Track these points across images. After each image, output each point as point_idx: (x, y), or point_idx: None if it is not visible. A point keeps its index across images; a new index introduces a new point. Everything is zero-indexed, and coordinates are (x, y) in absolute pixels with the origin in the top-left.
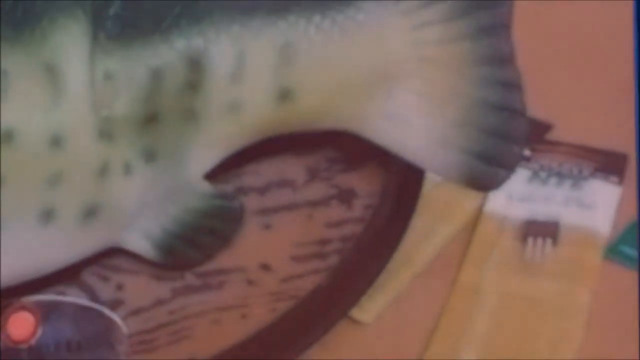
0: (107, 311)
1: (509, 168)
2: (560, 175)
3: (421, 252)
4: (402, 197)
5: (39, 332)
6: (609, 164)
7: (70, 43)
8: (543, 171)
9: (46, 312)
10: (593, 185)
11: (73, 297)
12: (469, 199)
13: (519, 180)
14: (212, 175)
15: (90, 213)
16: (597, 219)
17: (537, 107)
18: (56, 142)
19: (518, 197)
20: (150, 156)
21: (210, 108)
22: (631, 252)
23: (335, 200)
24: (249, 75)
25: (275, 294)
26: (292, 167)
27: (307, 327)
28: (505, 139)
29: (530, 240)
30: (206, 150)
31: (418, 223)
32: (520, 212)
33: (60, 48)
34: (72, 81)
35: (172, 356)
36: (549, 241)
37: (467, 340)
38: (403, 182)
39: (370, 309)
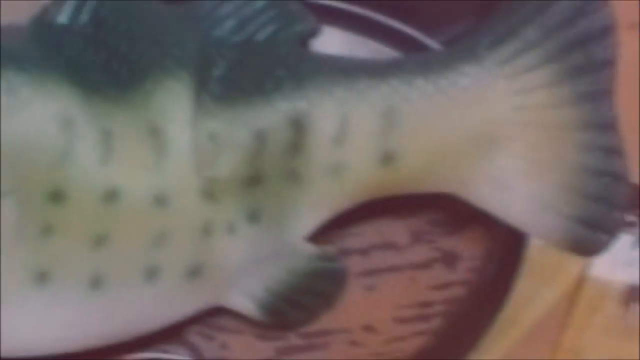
0: None
1: (611, 233)
2: None
3: (525, 316)
4: (506, 261)
5: None
6: None
7: (174, 104)
8: None
9: None
10: None
11: (177, 355)
12: (573, 264)
13: (623, 246)
14: (315, 237)
15: (194, 272)
16: None
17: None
18: (160, 201)
19: (622, 262)
20: (253, 217)
21: (313, 170)
22: None
23: (438, 262)
24: (352, 138)
25: (378, 355)
26: (394, 230)
27: None
28: (607, 204)
29: (633, 305)
30: (309, 211)
31: (522, 286)
32: (624, 277)
33: (164, 109)
34: (175, 142)
35: None
36: None
37: None
38: (507, 245)
39: None
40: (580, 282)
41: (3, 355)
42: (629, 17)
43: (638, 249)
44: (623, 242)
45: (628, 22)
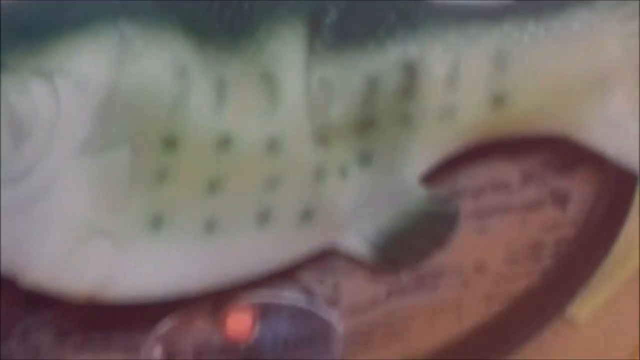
0: (323, 311)
1: None
2: None
3: (636, 255)
4: (616, 201)
5: (256, 331)
6: None
7: (286, 52)
8: None
9: (264, 311)
10: None
11: (290, 297)
12: None
13: None
14: (427, 179)
15: (307, 215)
16: None
17: None
18: (273, 147)
19: None
20: (365, 160)
21: (424, 113)
22: None
23: (549, 203)
24: (463, 81)
25: (488, 295)
26: (506, 171)
27: (520, 328)
28: None
29: None
30: (421, 154)
31: (632, 227)
32: None
33: (277, 57)
34: (288, 89)
35: (386, 356)
36: None
37: None
38: (617, 185)
39: (584, 309)
40: None
41: (121, 299)
42: None
43: None
44: None
45: None
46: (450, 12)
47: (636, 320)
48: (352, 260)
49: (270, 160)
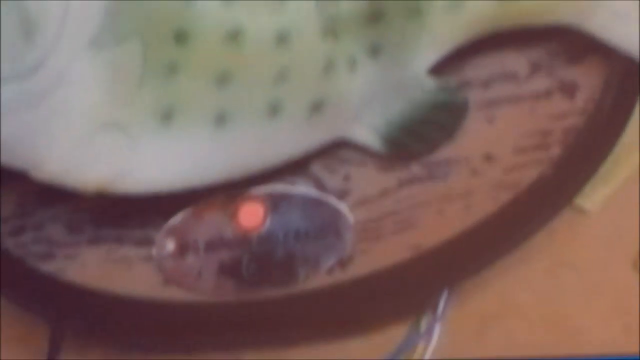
0: (334, 201)
1: None
2: None
3: None
4: (624, 89)
5: (268, 221)
6: None
7: None
8: None
9: (276, 203)
10: None
11: (302, 188)
12: None
13: None
14: (437, 70)
15: (317, 107)
16: None
17: None
18: (282, 40)
19: None
20: (375, 52)
21: (434, 4)
22: None
23: (557, 92)
24: None
25: (498, 184)
26: (515, 61)
27: (530, 216)
28: None
29: None
30: (430, 45)
31: None
32: None
33: None
34: None
35: (397, 245)
36: None
37: None
38: (625, 75)
39: (594, 197)
40: None
41: (133, 192)
42: None
43: None
44: None
45: None
46: None
47: None
48: (362, 152)
49: (279, 53)
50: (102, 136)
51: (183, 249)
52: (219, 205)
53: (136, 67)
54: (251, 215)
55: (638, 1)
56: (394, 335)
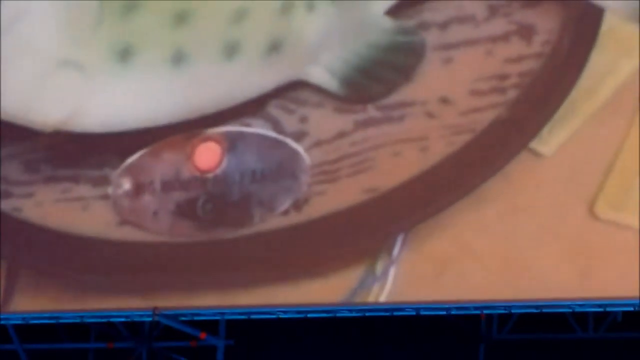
0: (291, 142)
1: None
2: None
3: (603, 87)
4: (581, 33)
5: (225, 161)
6: None
7: None
8: None
9: (232, 143)
10: None
11: (258, 128)
12: None
13: None
14: (394, 12)
15: (274, 47)
16: None
17: None
18: None
19: None
20: None
21: None
22: None
23: (514, 36)
24: None
25: (454, 127)
26: (472, 3)
27: (486, 159)
28: None
29: None
30: None
31: (601, 58)
32: None
33: None
34: None
35: (353, 187)
36: None
37: None
38: (583, 18)
39: (550, 141)
40: None
41: (92, 128)
42: None
43: None
44: None
45: None
46: None
47: (603, 154)
48: (319, 93)
49: None
50: (59, 74)
51: (139, 188)
52: (175, 145)
53: (94, 6)
54: (208, 155)
55: None
56: (350, 277)
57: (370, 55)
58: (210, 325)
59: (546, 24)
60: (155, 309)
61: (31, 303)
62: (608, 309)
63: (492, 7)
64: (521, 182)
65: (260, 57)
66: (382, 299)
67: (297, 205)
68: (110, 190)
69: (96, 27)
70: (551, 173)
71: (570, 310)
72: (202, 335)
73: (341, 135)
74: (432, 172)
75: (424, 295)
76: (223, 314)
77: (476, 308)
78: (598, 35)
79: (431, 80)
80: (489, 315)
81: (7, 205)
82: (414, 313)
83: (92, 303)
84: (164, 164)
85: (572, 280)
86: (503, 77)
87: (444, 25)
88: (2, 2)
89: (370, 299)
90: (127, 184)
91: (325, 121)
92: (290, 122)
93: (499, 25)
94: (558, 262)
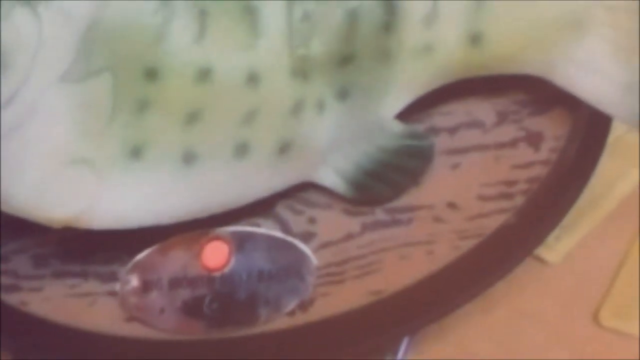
0: (298, 243)
1: None
2: None
3: (610, 195)
4: (589, 141)
5: (232, 261)
6: None
7: None
8: None
9: (240, 243)
10: None
11: (266, 229)
12: None
13: None
14: (404, 115)
15: (284, 149)
16: None
17: None
18: (252, 79)
19: None
20: (343, 95)
21: (403, 49)
22: None
23: (522, 142)
24: (441, 18)
25: (460, 232)
26: (481, 109)
27: (491, 265)
28: None
29: None
30: (398, 90)
31: (608, 166)
32: None
33: None
34: (270, 21)
35: (358, 289)
36: None
37: None
38: (590, 125)
39: (557, 249)
40: None
41: (99, 227)
42: None
43: None
44: None
45: None
46: None
47: (609, 262)
48: (328, 194)
49: (249, 93)
50: (70, 171)
51: (147, 285)
52: (184, 243)
53: (106, 103)
54: (216, 254)
55: (605, 54)
56: None
57: (380, 158)
58: None
59: (554, 131)
60: None
61: None
62: None
63: (501, 114)
64: (526, 288)
65: (270, 158)
66: None
67: (303, 306)
68: (118, 286)
69: (108, 124)
70: (557, 280)
71: None
72: None
73: (349, 237)
74: (438, 275)
75: None
76: None
77: None
78: (606, 143)
79: (439, 185)
80: None
81: (15, 299)
82: None
83: None
84: (172, 261)
85: None
86: (510, 183)
87: (453, 130)
88: (11, 100)
89: None
90: (135, 281)
91: (333, 223)
92: (298, 223)
93: (507, 132)
94: None
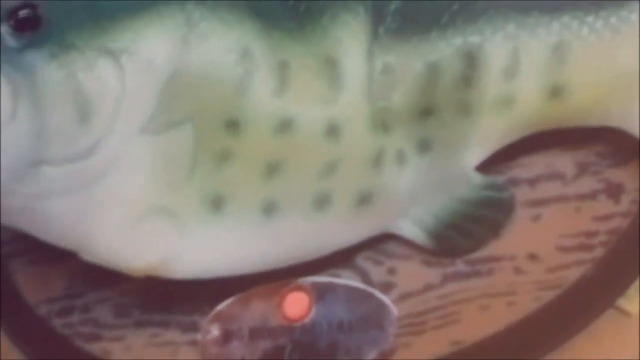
0: (378, 294)
1: None
2: None
3: None
4: None
5: (313, 311)
6: None
7: (350, 38)
8: None
9: (320, 293)
10: None
11: (347, 279)
12: None
13: None
14: (484, 167)
15: (364, 200)
16: None
17: None
18: (333, 131)
19: None
20: (424, 147)
21: (484, 102)
22: None
23: (603, 194)
24: (522, 71)
25: (541, 283)
26: (561, 161)
27: (571, 316)
28: None
29: None
30: (478, 142)
31: None
32: None
33: (341, 42)
34: (350, 74)
35: (439, 339)
36: None
37: None
38: None
39: (638, 300)
40: None
41: (180, 276)
42: None
43: None
44: None
45: None
46: (510, 4)
47: None
48: (408, 245)
49: (329, 145)
50: (151, 221)
51: (228, 335)
52: (265, 293)
53: (187, 154)
54: (296, 304)
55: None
56: None
57: (460, 209)
58: None
59: (635, 182)
60: None
61: None
62: None
63: (581, 165)
64: (607, 339)
65: (350, 210)
66: None
67: (384, 356)
68: (199, 336)
69: (189, 175)
70: (637, 331)
71: None
72: None
73: (429, 288)
74: (517, 327)
75: None
76: None
77: None
78: None
79: (519, 236)
80: None
81: (97, 348)
82: None
83: None
84: (252, 311)
85: None
86: (590, 234)
87: (533, 182)
88: (94, 151)
89: None
90: (215, 331)
91: (413, 274)
92: (378, 274)
93: (587, 183)
94: None
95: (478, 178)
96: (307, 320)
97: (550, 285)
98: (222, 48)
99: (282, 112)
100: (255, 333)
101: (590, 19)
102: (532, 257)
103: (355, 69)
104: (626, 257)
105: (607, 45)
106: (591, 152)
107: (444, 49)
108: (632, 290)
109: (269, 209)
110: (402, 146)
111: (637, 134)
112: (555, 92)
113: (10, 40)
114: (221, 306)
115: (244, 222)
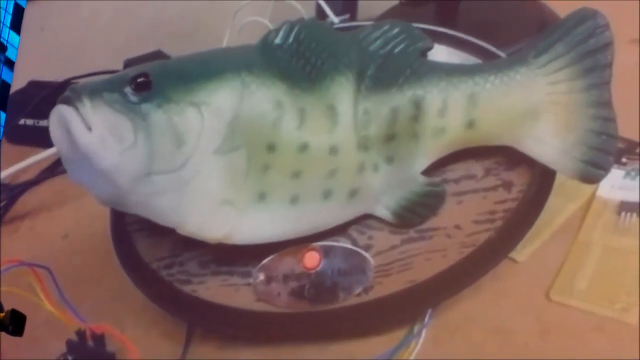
0: (362, 252)
1: (606, 170)
2: None
3: (557, 219)
4: (542, 186)
5: (322, 263)
6: None
7: (343, 92)
8: (633, 172)
9: (326, 252)
10: None
11: (343, 243)
12: (587, 187)
13: (617, 176)
14: (427, 172)
15: (353, 194)
16: None
17: (629, 130)
18: (333, 151)
19: (617, 187)
20: (390, 160)
21: (426, 132)
22: None
23: (501, 187)
24: (449, 112)
25: (462, 243)
26: (475, 167)
27: (482, 264)
28: (605, 152)
29: (623, 214)
30: (423, 157)
31: (553, 202)
32: (618, 196)
33: (337, 95)
34: (343, 115)
35: (400, 279)
36: (634, 215)
37: (581, 275)
38: (542, 177)
39: (523, 252)
40: (592, 199)
41: (241, 242)
42: (630, 34)
43: (627, 178)
44: (617, 174)
45: (630, 38)
46: (442, 69)
47: (556, 260)
48: (381, 221)
49: (331, 159)
50: (221, 208)
51: (269, 279)
52: (292, 252)
53: (242, 167)
54: (311, 259)
55: (550, 132)
56: (396, 337)
57: (412, 198)
58: None
59: (520, 180)
60: None
61: (201, 352)
62: None
63: (487, 169)
64: (503, 277)
65: (345, 200)
66: (416, 350)
67: (366, 290)
68: (251, 280)
69: (244, 180)
70: (523, 273)
71: None
72: None
73: (393, 247)
74: (450, 270)
75: (444, 352)
76: None
77: None
78: (552, 187)
79: (449, 214)
80: None
81: (188, 288)
82: None
83: (243, 353)
84: (284, 264)
85: None
86: (493, 212)
87: (457, 180)
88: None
89: (405, 355)
90: (261, 276)
91: (383, 239)
92: (362, 239)
93: (491, 181)
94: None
95: (423, 179)
96: (318, 269)
97: (468, 244)
98: (264, 101)
99: (301, 139)
100: (286, 277)
101: (491, 77)
102: (457, 227)
103: (346, 112)
104: (515, 226)
105: (503, 94)
106: (493, 161)
107: (401, 98)
108: (520, 246)
109: (294, 200)
110: (376, 160)
111: (523, 150)
112: (470, 125)
113: (132, 97)
114: (265, 261)
115: (278, 209)
